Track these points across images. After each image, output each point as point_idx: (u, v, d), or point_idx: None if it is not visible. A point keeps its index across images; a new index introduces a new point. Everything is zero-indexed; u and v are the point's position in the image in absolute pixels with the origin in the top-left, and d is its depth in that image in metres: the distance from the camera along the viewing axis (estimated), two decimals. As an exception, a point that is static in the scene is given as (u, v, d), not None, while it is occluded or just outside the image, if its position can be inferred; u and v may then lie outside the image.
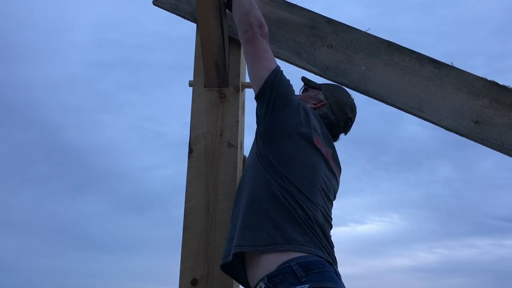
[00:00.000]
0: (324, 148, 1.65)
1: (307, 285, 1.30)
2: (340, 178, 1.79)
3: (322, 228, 1.49)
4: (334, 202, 1.70)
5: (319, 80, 1.91)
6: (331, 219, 1.61)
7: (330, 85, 1.88)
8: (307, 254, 1.38)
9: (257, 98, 1.64)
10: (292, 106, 1.61)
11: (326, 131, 1.73)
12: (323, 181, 1.59)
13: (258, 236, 1.43)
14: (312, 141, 1.60)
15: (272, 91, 1.60)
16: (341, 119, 1.83)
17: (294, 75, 1.92)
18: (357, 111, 1.91)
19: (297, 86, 1.95)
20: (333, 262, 1.45)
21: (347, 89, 1.86)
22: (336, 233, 1.57)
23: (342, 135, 1.89)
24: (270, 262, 1.38)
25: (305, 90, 1.96)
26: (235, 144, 1.85)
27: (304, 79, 1.97)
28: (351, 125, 1.89)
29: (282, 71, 1.67)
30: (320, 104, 1.84)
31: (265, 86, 1.61)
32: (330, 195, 1.64)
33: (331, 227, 1.60)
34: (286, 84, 1.64)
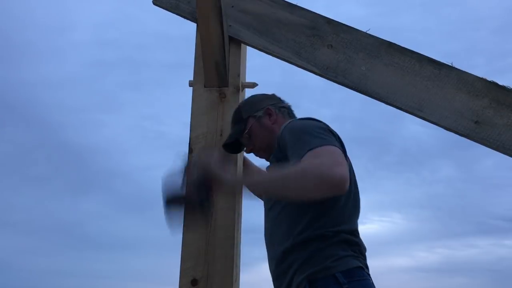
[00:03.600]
0: None
1: None
2: None
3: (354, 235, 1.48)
4: None
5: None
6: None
7: (247, 103, 1.81)
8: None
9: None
10: None
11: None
12: None
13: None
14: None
15: None
16: (284, 106, 1.78)
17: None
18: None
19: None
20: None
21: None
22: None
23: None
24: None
25: (249, 134, 1.73)
26: (235, 144, 1.85)
27: (231, 138, 1.76)
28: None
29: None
30: (271, 115, 1.73)
31: None
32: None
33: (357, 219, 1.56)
34: None
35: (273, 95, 1.82)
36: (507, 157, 1.59)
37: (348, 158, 1.57)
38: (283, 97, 1.85)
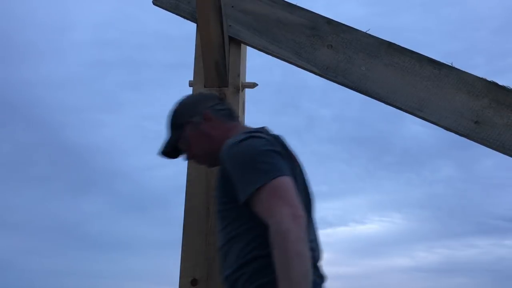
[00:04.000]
0: None
1: None
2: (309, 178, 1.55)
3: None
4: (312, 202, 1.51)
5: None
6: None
7: (182, 106, 1.63)
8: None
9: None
10: None
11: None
12: None
13: None
14: None
15: None
16: (223, 108, 1.62)
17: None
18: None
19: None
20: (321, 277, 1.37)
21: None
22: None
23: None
24: None
25: (186, 141, 1.58)
26: (235, 144, 1.85)
27: (167, 146, 1.63)
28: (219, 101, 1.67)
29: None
30: (210, 119, 1.56)
31: None
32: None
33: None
34: None
35: (211, 95, 1.69)
36: (507, 157, 1.60)
37: (295, 159, 1.45)
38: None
